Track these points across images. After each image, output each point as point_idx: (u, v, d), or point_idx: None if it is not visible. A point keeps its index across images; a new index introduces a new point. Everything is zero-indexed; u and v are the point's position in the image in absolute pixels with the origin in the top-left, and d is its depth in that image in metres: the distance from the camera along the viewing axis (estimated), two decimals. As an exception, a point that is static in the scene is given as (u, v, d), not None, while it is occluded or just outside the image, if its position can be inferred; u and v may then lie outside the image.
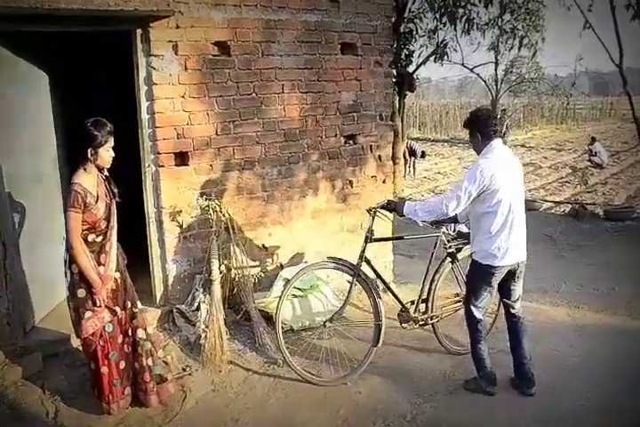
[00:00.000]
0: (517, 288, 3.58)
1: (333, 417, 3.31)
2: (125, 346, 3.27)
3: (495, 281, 3.45)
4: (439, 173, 15.17)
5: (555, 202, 9.84)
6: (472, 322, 3.55)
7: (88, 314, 3.08)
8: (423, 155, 14.18)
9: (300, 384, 3.65)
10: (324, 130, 4.64)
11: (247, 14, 4.03)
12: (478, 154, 3.46)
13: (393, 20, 8.19)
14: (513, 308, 3.62)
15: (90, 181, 3.07)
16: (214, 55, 3.98)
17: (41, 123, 4.09)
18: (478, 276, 3.48)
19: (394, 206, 3.70)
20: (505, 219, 3.32)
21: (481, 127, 3.39)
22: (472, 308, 3.53)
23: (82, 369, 3.44)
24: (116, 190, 3.24)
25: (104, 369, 3.15)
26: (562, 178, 13.80)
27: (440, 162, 17.28)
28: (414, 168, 14.38)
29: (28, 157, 3.91)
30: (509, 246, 3.35)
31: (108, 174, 3.23)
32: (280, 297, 3.87)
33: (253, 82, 4.18)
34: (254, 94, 4.21)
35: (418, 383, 3.67)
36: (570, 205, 9.07)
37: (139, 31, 3.71)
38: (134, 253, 4.20)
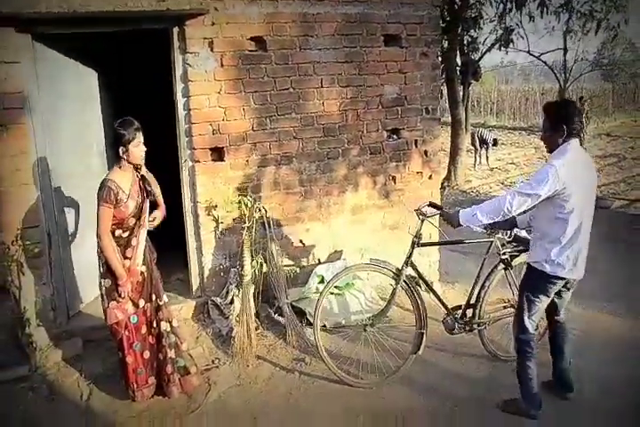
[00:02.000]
0: (567, 299, 3.36)
1: (350, 424, 3.27)
2: (150, 337, 3.38)
3: (553, 292, 3.20)
4: (512, 163, 14.46)
5: (627, 199, 9.06)
6: (524, 336, 3.25)
7: (113, 304, 3.22)
8: (495, 143, 13.52)
9: (323, 385, 3.63)
10: (366, 124, 4.53)
11: (284, 8, 3.98)
12: (551, 151, 3.10)
13: (452, 7, 7.89)
14: (557, 315, 3.42)
15: (124, 178, 3.18)
16: (250, 51, 3.97)
17: (89, 120, 4.27)
18: (538, 285, 3.18)
19: (446, 217, 3.41)
20: (578, 227, 3.03)
21: (569, 122, 2.98)
22: (526, 320, 3.23)
23: (117, 356, 3.59)
24: (150, 189, 3.33)
25: (129, 358, 3.29)
26: (649, 170, 12.79)
27: (514, 151, 16.46)
28: (487, 157, 13.79)
29: (77, 153, 4.10)
30: (579, 257, 3.09)
31: (144, 173, 3.33)
32: (319, 296, 3.82)
33: (291, 77, 4.13)
34: (291, 89, 4.17)
35: (445, 393, 3.54)
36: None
37: (175, 29, 3.76)
38: (178, 244, 4.36)
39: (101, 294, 3.26)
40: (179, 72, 3.85)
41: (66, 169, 3.94)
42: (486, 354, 3.91)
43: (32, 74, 3.55)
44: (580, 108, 3.10)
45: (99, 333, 3.91)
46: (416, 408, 3.38)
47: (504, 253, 3.74)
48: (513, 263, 3.77)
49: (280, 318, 4.22)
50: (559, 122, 3.01)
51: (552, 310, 3.40)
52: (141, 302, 3.31)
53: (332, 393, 3.55)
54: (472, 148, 13.54)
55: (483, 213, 3.13)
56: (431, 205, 3.69)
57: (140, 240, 3.28)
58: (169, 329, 3.41)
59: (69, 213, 4.01)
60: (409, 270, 3.67)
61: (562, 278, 3.12)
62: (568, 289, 3.28)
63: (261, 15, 3.92)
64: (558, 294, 3.28)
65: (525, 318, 3.24)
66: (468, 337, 4.03)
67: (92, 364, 3.73)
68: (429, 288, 3.87)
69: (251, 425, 3.27)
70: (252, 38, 3.96)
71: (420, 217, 3.66)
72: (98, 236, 3.13)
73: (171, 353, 3.39)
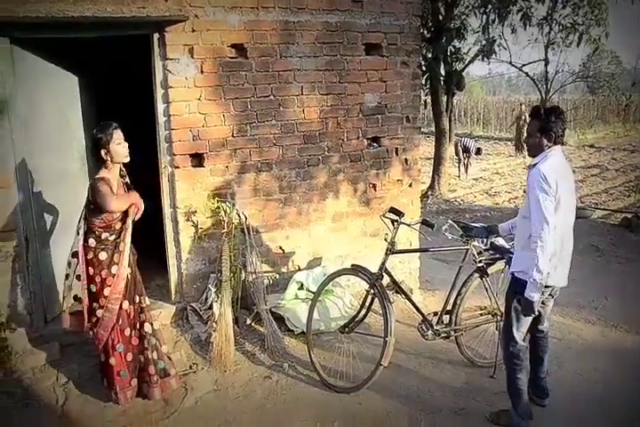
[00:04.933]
0: (550, 306, 3.35)
1: (326, 430, 3.28)
2: (133, 339, 3.38)
3: (540, 300, 3.13)
4: (497, 173, 14.58)
5: (607, 210, 9.14)
6: (513, 349, 3.19)
7: (99, 312, 3.24)
8: (479, 151, 13.59)
9: (301, 391, 3.63)
10: (346, 132, 4.57)
11: (265, 16, 4.02)
12: (534, 156, 3.06)
13: (440, 16, 7.98)
14: (541, 324, 3.40)
15: (112, 178, 3.24)
16: (231, 58, 4.00)
17: (69, 123, 4.26)
18: None
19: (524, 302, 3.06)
20: (563, 235, 3.00)
21: (558, 128, 2.98)
22: (514, 331, 3.17)
23: (95, 359, 3.58)
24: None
25: (112, 360, 3.29)
26: (630, 182, 12.96)
27: (499, 161, 16.62)
28: (466, 166, 13.81)
29: (56, 156, 4.09)
30: (565, 266, 3.08)
31: (127, 181, 3.39)
32: (311, 302, 3.94)
33: (271, 84, 4.17)
34: (272, 96, 4.20)
35: (423, 399, 3.55)
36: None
37: (155, 35, 3.78)
38: (157, 250, 4.36)
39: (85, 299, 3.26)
40: (159, 78, 3.87)
41: (45, 172, 3.93)
42: (463, 360, 3.94)
43: (10, 77, 3.56)
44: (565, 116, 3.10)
45: (76, 337, 3.90)
46: (393, 415, 3.39)
47: (480, 262, 3.76)
48: (489, 271, 3.80)
49: (259, 325, 4.23)
50: (548, 128, 2.99)
51: (536, 319, 3.33)
52: (125, 304, 3.31)
53: (310, 399, 3.55)
54: (456, 157, 13.63)
55: (545, 259, 2.92)
56: (391, 210, 3.78)
57: (127, 245, 3.30)
58: (151, 331, 3.43)
59: (48, 216, 4.00)
60: (383, 277, 3.70)
61: (548, 286, 3.09)
62: (552, 297, 3.27)
63: (242, 22, 3.96)
64: (542, 302, 3.25)
65: (514, 329, 3.18)
66: (445, 344, 4.06)
67: (68, 368, 3.71)
68: (405, 295, 3.90)
69: (226, 431, 3.27)
70: (232, 45, 3.99)
71: (395, 224, 3.69)
72: (109, 207, 3.14)
73: (152, 355, 3.40)
